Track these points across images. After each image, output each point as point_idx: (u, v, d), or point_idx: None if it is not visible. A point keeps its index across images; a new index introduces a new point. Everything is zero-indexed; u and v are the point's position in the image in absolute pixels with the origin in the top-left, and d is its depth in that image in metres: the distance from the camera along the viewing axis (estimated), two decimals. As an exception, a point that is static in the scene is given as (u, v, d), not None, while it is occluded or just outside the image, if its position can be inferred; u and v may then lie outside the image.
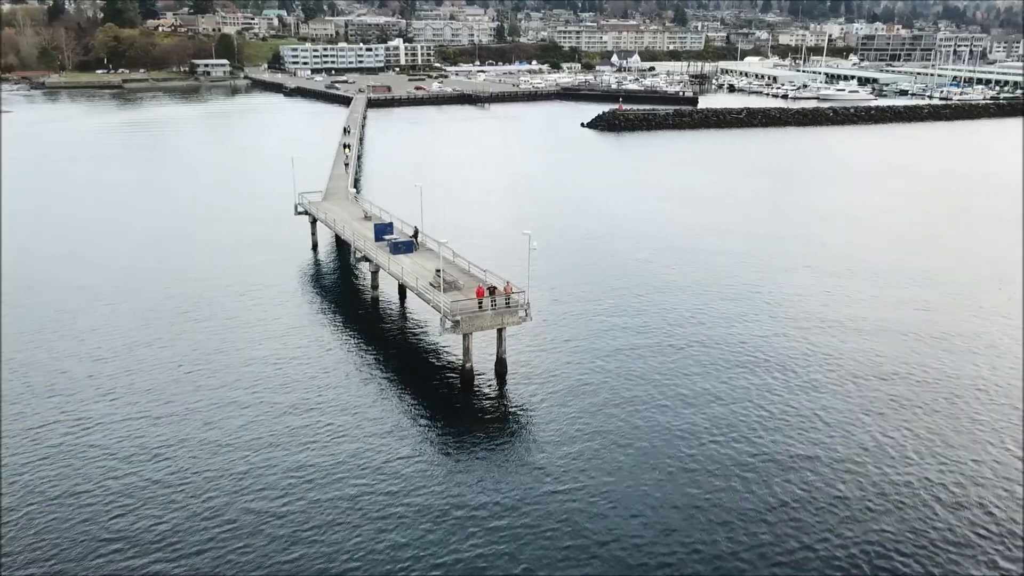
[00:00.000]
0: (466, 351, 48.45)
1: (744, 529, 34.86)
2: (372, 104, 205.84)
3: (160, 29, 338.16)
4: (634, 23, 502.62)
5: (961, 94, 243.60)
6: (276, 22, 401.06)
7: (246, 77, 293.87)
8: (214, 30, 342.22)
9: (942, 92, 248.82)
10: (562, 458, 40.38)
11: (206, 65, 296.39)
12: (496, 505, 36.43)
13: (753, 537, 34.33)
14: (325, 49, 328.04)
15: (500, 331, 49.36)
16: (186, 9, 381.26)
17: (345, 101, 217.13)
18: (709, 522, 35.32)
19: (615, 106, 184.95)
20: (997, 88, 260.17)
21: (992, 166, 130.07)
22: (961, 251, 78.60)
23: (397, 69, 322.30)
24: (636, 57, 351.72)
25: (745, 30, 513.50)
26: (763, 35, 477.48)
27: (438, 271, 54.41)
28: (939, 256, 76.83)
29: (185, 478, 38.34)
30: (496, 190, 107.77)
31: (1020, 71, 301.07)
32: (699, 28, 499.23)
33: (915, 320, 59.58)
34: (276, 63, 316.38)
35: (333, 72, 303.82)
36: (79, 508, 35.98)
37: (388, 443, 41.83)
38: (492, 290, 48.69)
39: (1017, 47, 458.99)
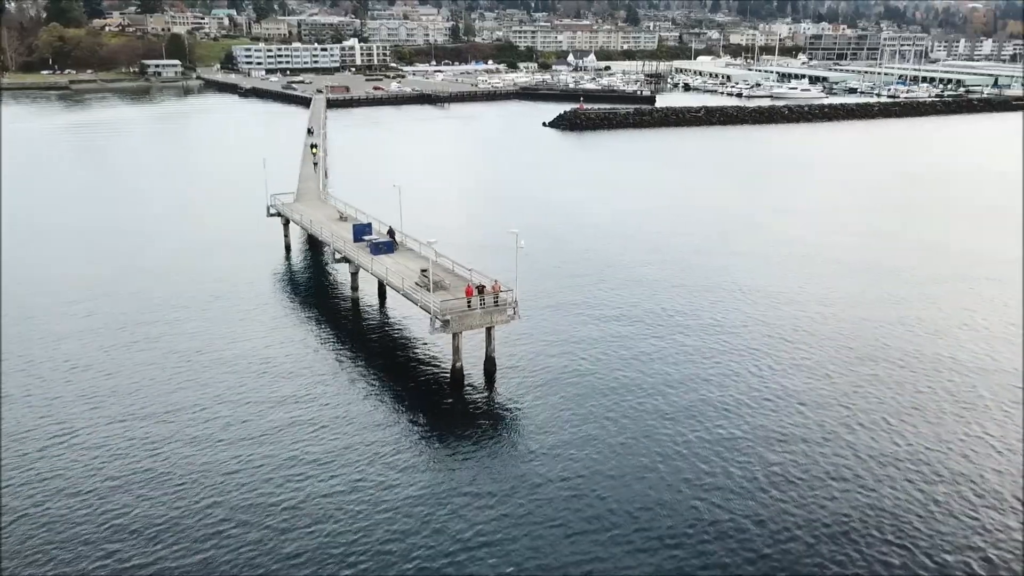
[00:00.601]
0: (456, 350, 48.47)
1: (731, 508, 35.64)
2: (331, 104, 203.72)
3: (107, 29, 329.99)
4: (587, 23, 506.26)
5: (908, 92, 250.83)
6: (227, 22, 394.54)
7: (198, 78, 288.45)
8: (163, 30, 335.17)
9: (890, 90, 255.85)
10: (555, 451, 40.72)
11: (157, 66, 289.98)
12: (490, 497, 36.64)
13: (742, 517, 35.15)
14: (279, 49, 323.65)
15: (489, 330, 49.52)
16: (133, 8, 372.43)
17: (303, 102, 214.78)
18: (697, 502, 36.07)
19: (575, 105, 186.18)
20: (941, 86, 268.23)
21: (965, 159, 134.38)
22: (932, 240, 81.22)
23: (353, 69, 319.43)
24: (592, 57, 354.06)
25: (696, 30, 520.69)
26: (714, 35, 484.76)
27: (424, 271, 54.40)
28: (905, 245, 79.20)
29: (178, 480, 37.75)
30: (466, 190, 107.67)
31: (962, 70, 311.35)
32: (651, 28, 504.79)
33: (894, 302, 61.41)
34: (229, 63, 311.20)
35: (288, 72, 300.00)
36: (71, 511, 35.23)
37: (381, 444, 41.68)
38: (481, 289, 48.78)
39: (957, 46, 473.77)
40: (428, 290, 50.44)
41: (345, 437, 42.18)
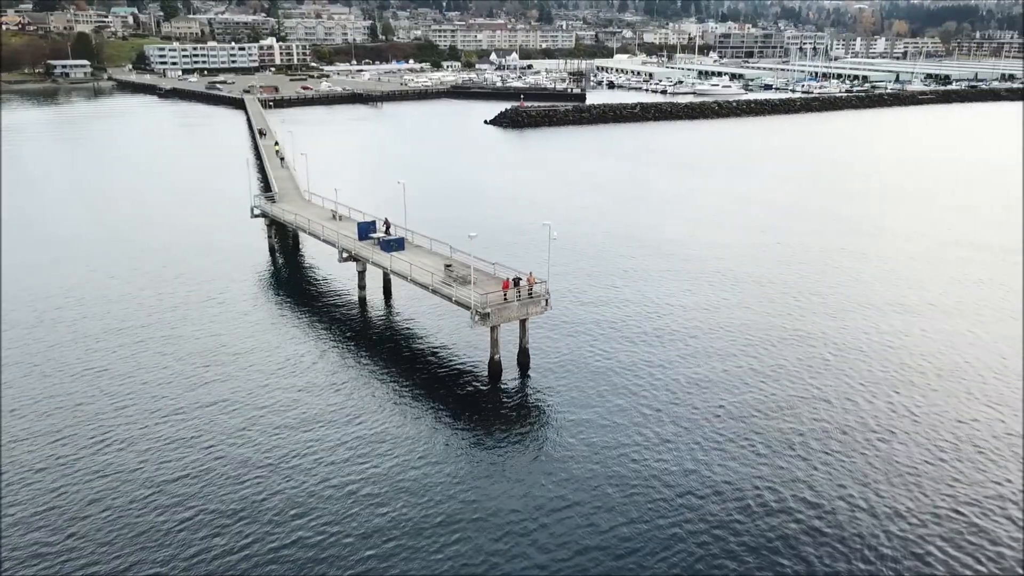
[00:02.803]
0: (494, 343, 48.96)
1: (776, 502, 37.59)
2: (262, 105, 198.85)
3: (6, 27, 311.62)
4: (501, 22, 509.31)
5: (820, 88, 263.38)
6: (131, 20, 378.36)
7: (110, 78, 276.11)
8: (66, 29, 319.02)
9: (803, 86, 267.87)
10: (596, 442, 41.89)
11: (64, 66, 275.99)
12: (537, 495, 37.53)
13: (789, 511, 37.09)
14: (195, 48, 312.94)
15: (523, 322, 50.26)
16: (30, 6, 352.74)
17: (232, 102, 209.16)
18: (740, 495, 37.79)
19: (510, 104, 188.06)
20: (849, 82, 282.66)
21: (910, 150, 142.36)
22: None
23: (273, 69, 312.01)
24: (514, 55, 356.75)
25: (610, 28, 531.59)
26: (628, 33, 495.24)
27: (448, 266, 54.72)
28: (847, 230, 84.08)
29: (212, 479, 37.12)
30: (430, 188, 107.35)
31: (866, 67, 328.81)
32: (566, 27, 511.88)
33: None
34: (141, 63, 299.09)
35: (206, 72, 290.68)
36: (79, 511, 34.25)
37: (426, 438, 41.86)
38: (516, 281, 49.45)
39: (854, 45, 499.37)
40: (454, 285, 50.80)
41: (398, 431, 42.26)
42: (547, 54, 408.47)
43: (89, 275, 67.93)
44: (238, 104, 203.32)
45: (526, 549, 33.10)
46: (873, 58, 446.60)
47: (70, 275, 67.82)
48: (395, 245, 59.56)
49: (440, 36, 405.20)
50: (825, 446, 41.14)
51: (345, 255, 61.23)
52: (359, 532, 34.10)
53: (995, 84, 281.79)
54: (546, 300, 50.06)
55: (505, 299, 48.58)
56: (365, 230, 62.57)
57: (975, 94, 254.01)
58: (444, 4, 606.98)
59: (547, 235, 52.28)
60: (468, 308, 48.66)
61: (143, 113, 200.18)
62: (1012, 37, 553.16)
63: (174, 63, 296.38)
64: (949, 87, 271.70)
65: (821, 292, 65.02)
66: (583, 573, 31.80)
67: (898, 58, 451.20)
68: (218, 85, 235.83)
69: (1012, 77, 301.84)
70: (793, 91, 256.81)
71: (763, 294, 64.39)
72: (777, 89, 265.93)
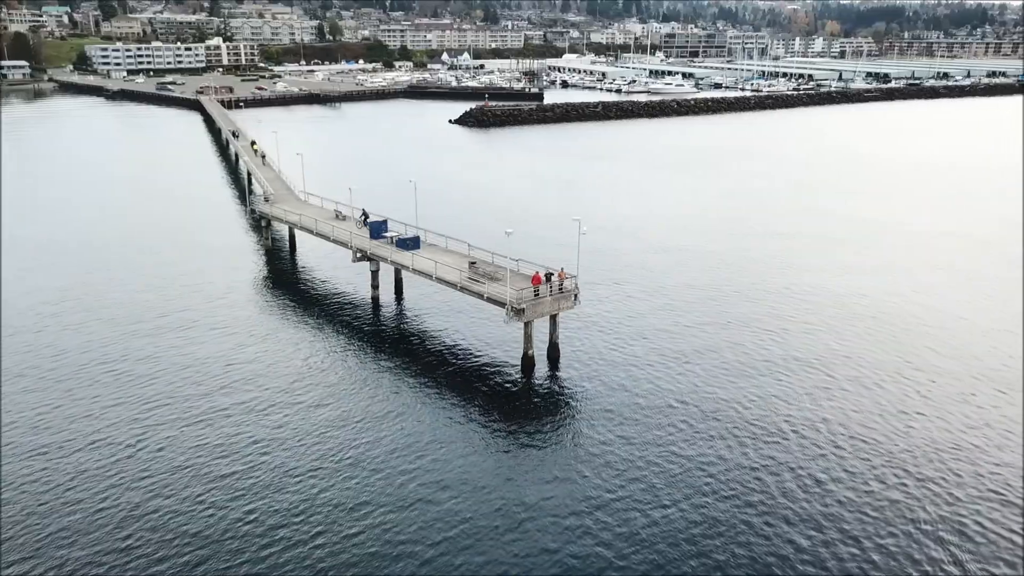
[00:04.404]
0: (527, 338, 49.47)
1: (805, 498, 38.96)
2: (226, 106, 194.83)
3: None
4: (448, 22, 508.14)
5: (769, 86, 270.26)
6: (66, 19, 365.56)
7: (51, 79, 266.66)
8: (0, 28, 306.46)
9: (752, 85, 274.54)
10: (633, 436, 42.84)
11: (1, 67, 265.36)
12: (572, 487, 38.30)
13: (816, 507, 38.44)
14: (139, 49, 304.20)
15: (553, 317, 50.82)
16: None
17: (187, 104, 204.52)
18: (767, 488, 39.08)
19: (465, 104, 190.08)
20: (796, 81, 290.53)
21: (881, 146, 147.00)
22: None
23: (221, 70, 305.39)
24: (466, 55, 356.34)
25: (556, 28, 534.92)
26: (576, 33, 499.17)
27: (472, 263, 54.95)
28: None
29: (249, 474, 36.88)
30: (411, 186, 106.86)
31: (810, 66, 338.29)
32: (512, 27, 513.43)
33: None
34: (83, 64, 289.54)
35: (152, 73, 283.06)
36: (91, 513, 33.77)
37: (467, 435, 42.12)
38: (548, 277, 49.96)
39: (793, 44, 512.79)
40: (485, 283, 51.07)
41: (432, 436, 42.41)
42: (497, 54, 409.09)
43: (87, 278, 66.06)
44: (193, 105, 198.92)
45: (587, 539, 33.72)
46: (812, 57, 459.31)
47: (60, 278, 65.84)
48: (411, 244, 59.47)
49: (390, 36, 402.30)
50: (847, 430, 42.77)
51: (359, 255, 60.84)
52: (416, 527, 34.21)
53: (932, 82, 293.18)
54: (575, 295, 50.74)
55: (537, 294, 49.07)
56: (378, 229, 62.25)
57: (916, 92, 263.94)
58: (388, 4, 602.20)
59: (575, 232, 52.73)
60: (500, 304, 48.99)
61: (91, 115, 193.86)
62: (939, 37, 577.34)
63: (118, 64, 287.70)
64: (890, 85, 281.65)
65: (834, 280, 67.22)
66: (649, 562, 32.58)
67: (835, 57, 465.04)
68: (169, 86, 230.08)
69: (947, 76, 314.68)
70: (743, 89, 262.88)
71: (783, 284, 66.28)
72: (727, 88, 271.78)
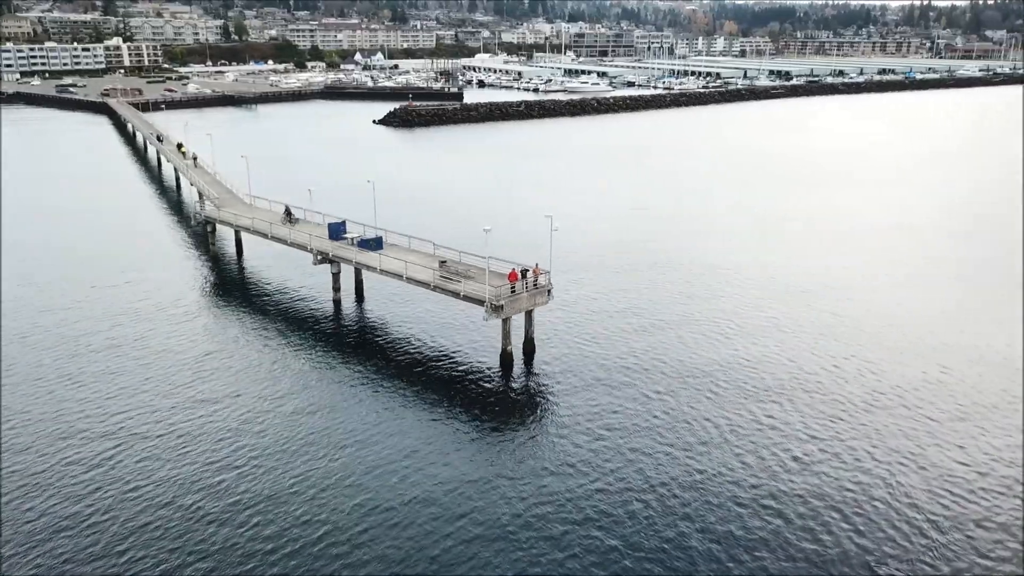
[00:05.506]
0: (506, 335, 49.80)
1: (778, 491, 41.10)
2: (140, 108, 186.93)
3: None
4: (355, 21, 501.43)
5: (680, 84, 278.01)
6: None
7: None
8: None
9: (664, 83, 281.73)
10: (610, 427, 44.07)
11: None
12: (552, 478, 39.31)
13: (791, 502, 40.63)
14: (31, 49, 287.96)
15: (529, 312, 51.36)
16: None
17: (93, 107, 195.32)
18: (740, 481, 41.14)
19: (383, 104, 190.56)
20: (704, 79, 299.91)
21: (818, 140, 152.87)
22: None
23: (123, 71, 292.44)
24: (379, 56, 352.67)
25: (465, 28, 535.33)
26: (487, 33, 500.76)
27: (443, 262, 54.88)
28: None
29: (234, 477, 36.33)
30: (341, 188, 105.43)
31: (716, 65, 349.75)
32: (422, 27, 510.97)
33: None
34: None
35: (47, 75, 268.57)
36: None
37: (451, 434, 42.40)
38: (524, 273, 50.44)
39: (696, 44, 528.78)
40: (461, 281, 51.18)
41: (427, 426, 42.45)
42: (409, 54, 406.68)
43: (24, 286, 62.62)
44: (100, 108, 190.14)
45: (584, 534, 34.54)
46: (715, 56, 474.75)
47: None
48: (374, 244, 58.83)
49: (299, 36, 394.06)
50: (819, 412, 45.10)
51: (320, 258, 59.82)
52: (401, 527, 34.28)
53: (829, 79, 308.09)
54: (549, 291, 51.43)
55: (513, 291, 49.51)
56: (337, 230, 61.27)
57: (817, 88, 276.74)
58: (292, 3, 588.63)
59: (539, 228, 53.51)
60: (477, 302, 49.26)
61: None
62: (828, 36, 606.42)
63: (9, 65, 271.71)
64: (792, 82, 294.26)
65: (806, 274, 70.07)
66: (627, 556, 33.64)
67: (737, 56, 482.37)
68: (70, 88, 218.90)
69: (843, 73, 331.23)
70: (655, 87, 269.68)
71: (759, 278, 68.69)
72: (640, 86, 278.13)
